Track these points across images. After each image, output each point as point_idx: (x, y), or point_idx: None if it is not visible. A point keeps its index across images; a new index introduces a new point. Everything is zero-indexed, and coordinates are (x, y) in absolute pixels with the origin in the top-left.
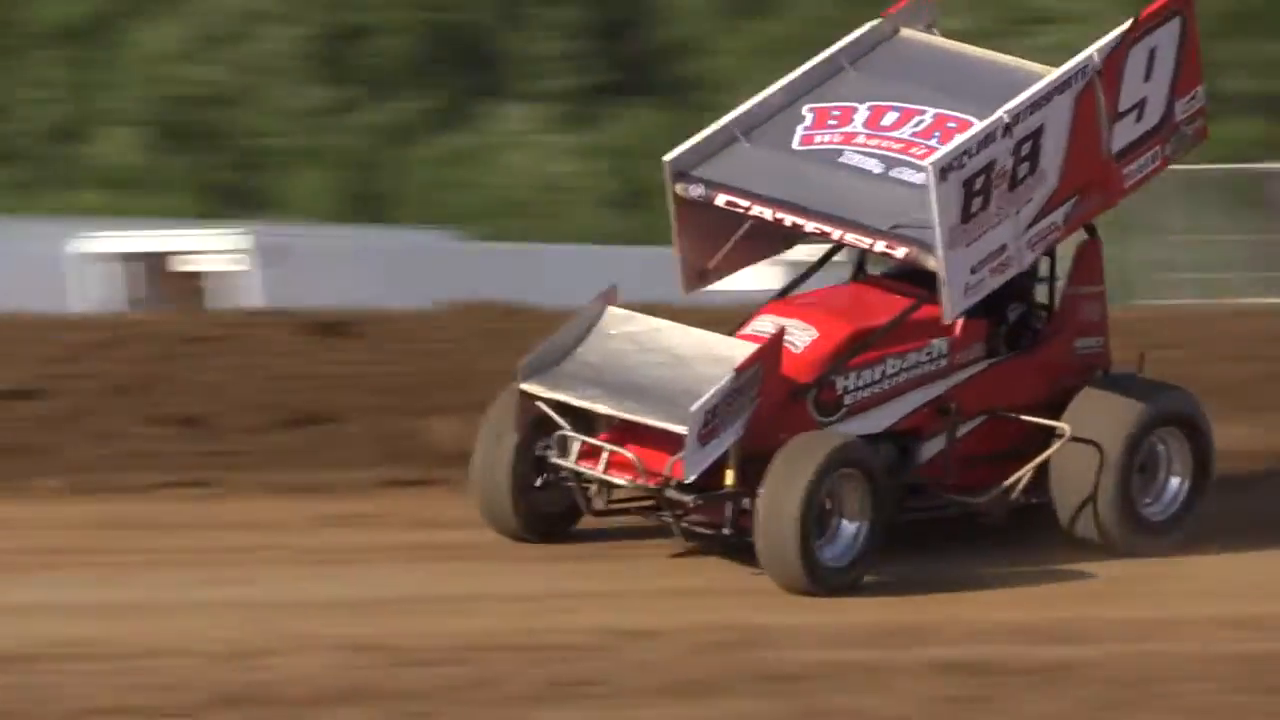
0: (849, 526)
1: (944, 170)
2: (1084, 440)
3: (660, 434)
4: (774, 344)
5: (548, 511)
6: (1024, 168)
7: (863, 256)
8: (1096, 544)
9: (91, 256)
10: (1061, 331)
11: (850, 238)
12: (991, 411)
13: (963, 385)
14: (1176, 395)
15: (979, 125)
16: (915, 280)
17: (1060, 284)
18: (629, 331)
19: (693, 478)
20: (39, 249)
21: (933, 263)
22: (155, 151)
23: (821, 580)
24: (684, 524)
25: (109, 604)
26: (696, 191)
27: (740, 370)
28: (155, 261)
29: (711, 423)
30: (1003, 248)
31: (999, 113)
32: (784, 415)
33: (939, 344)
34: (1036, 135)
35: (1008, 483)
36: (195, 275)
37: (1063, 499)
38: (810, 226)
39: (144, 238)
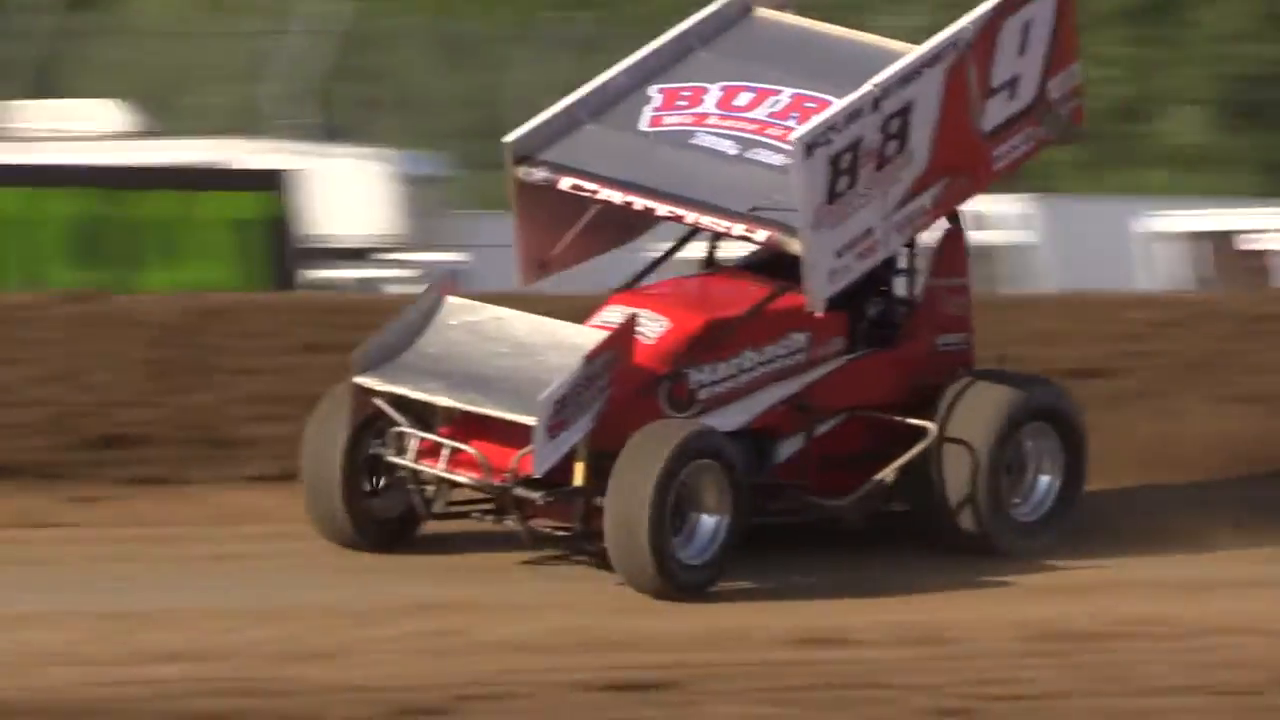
0: (708, 521)
1: (810, 146)
2: (950, 439)
3: (506, 427)
4: (625, 331)
5: (382, 517)
6: (892, 146)
7: (712, 246)
8: (969, 546)
9: (1159, 235)
10: (923, 327)
11: (706, 221)
12: (851, 410)
13: (820, 382)
14: (1045, 389)
15: (847, 99)
16: (770, 271)
17: (921, 276)
18: (470, 321)
19: (542, 472)
20: (1106, 227)
21: (796, 245)
22: (1220, 130)
23: (676, 579)
24: (530, 525)
25: (1172, 582)
26: (540, 175)
27: (591, 358)
28: (1221, 240)
29: (561, 413)
30: (869, 231)
31: (867, 85)
32: (634, 409)
33: (797, 337)
34: (906, 111)
35: (869, 485)
36: (1260, 254)
37: (930, 501)
38: (663, 210)
39: (1210, 216)
